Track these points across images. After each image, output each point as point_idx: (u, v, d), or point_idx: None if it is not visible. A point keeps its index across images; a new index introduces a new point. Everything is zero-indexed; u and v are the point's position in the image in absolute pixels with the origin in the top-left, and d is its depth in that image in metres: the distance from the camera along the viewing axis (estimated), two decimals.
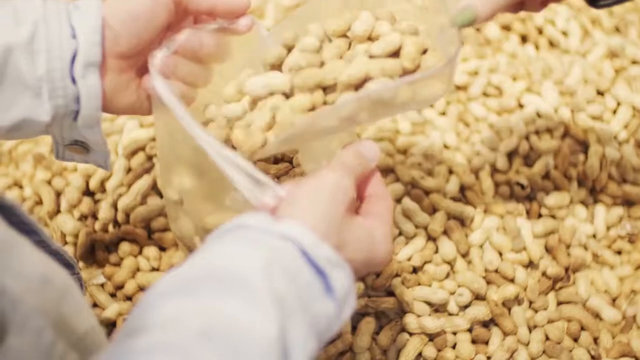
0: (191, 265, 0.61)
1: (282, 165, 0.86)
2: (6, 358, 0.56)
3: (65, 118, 0.77)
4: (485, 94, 1.23)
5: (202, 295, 0.57)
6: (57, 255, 0.77)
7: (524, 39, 1.33)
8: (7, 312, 0.56)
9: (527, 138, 1.16)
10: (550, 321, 1.03)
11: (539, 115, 1.19)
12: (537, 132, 1.17)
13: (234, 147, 0.77)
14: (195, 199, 0.82)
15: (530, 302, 1.04)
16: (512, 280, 1.04)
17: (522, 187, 1.10)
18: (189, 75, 0.79)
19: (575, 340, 1.03)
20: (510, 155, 1.16)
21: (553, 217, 1.12)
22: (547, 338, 1.02)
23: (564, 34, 1.32)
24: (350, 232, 0.65)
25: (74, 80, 0.74)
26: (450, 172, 1.13)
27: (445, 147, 1.16)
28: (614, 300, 1.07)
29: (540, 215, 1.13)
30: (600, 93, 1.23)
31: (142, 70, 0.79)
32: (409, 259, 1.05)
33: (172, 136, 0.78)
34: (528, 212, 1.12)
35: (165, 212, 0.97)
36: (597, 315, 1.05)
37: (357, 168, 0.69)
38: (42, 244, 0.75)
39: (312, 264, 0.61)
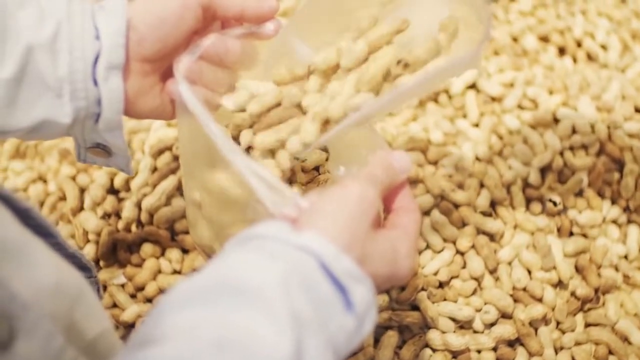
0: (207, 274, 0.59)
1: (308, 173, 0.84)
2: None
3: (87, 120, 0.75)
4: (520, 107, 1.20)
5: (217, 306, 0.56)
6: (73, 259, 0.76)
7: (561, 51, 1.30)
8: (15, 317, 0.55)
9: (561, 154, 1.14)
10: (577, 343, 1.01)
11: (574, 130, 1.16)
12: (571, 148, 1.15)
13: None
14: (215, 208, 0.81)
15: (558, 323, 1.02)
16: (540, 300, 1.02)
17: (555, 204, 1.08)
18: (214, 81, 0.78)
19: None
20: (544, 170, 1.14)
21: (584, 236, 1.10)
22: None
23: (603, 47, 1.29)
24: (373, 245, 0.63)
25: (95, 83, 0.73)
26: (482, 185, 1.11)
27: (477, 159, 1.14)
28: None
29: (571, 234, 1.10)
30: (638, 110, 1.20)
31: (167, 74, 0.78)
32: (435, 273, 1.03)
33: (194, 142, 0.77)
34: (559, 230, 1.09)
35: None
36: (625, 339, 1.03)
37: (385, 180, 0.67)
38: (58, 246, 0.74)
39: (332, 278, 0.59)
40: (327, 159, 0.85)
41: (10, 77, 0.71)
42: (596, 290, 1.05)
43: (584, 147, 1.15)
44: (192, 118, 0.73)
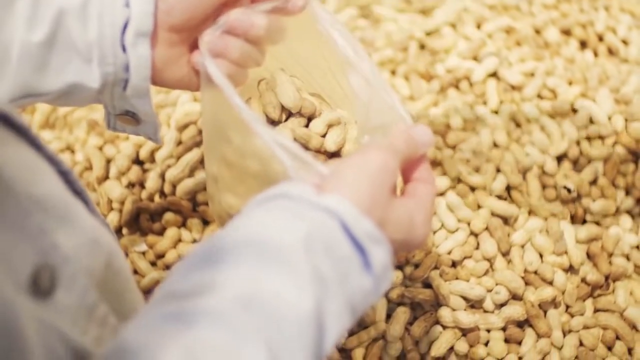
0: (232, 231, 0.61)
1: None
2: (56, 308, 0.57)
3: (115, 87, 0.77)
4: (539, 96, 1.22)
5: (242, 264, 0.58)
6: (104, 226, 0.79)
7: (583, 44, 1.32)
8: (58, 266, 0.57)
9: (577, 143, 1.15)
10: (585, 327, 1.02)
11: (591, 121, 1.18)
12: (588, 138, 1.16)
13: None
14: (233, 181, 0.83)
15: (567, 307, 1.04)
16: (550, 283, 1.04)
17: (569, 191, 1.10)
18: (240, 56, 0.78)
19: (610, 348, 1.02)
20: (560, 159, 1.15)
21: (597, 223, 1.11)
22: (581, 344, 1.01)
23: (624, 42, 1.30)
24: (391, 211, 0.65)
25: (124, 49, 0.75)
26: (498, 170, 1.13)
27: (495, 145, 1.16)
28: None
29: (584, 221, 1.12)
30: None
31: (194, 46, 0.79)
32: (449, 253, 1.05)
33: (217, 115, 0.79)
34: (573, 217, 1.11)
35: None
36: (633, 327, 1.04)
37: (405, 151, 0.68)
38: (92, 213, 0.77)
39: (352, 239, 0.61)
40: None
41: (42, 41, 0.74)
42: (606, 278, 1.06)
43: (601, 137, 1.16)
44: (215, 91, 0.74)
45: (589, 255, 1.08)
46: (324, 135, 0.83)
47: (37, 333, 0.52)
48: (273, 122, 0.83)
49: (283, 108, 0.82)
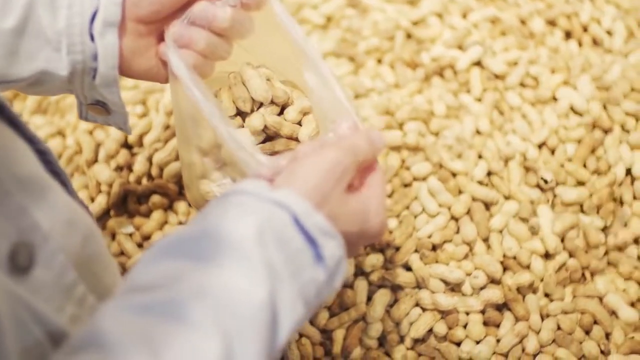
0: (191, 226, 0.63)
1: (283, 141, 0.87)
2: (32, 286, 0.59)
3: (85, 75, 0.79)
4: (522, 85, 1.23)
5: (199, 256, 0.60)
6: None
7: (568, 35, 1.33)
8: (37, 245, 0.59)
9: (556, 132, 1.17)
10: (564, 312, 1.04)
11: (572, 109, 1.19)
12: (567, 127, 1.18)
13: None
14: (209, 168, 0.85)
15: (546, 293, 1.05)
16: (528, 268, 1.05)
17: (546, 181, 1.11)
18: (206, 47, 0.80)
19: (587, 333, 1.03)
20: (541, 146, 1.17)
21: (576, 213, 1.12)
22: (559, 328, 1.03)
23: (609, 33, 1.32)
24: (344, 204, 0.67)
25: (92, 38, 0.77)
26: (480, 157, 1.14)
27: (478, 132, 1.17)
28: (632, 304, 1.06)
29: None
30: (635, 90, 1.22)
31: (162, 38, 0.81)
32: (429, 237, 1.06)
33: (189, 104, 0.80)
34: (552, 205, 1.12)
35: None
36: (613, 313, 1.05)
37: (365, 153, 0.70)
38: (69, 194, 0.78)
39: (304, 232, 0.63)
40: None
41: (12, 28, 0.76)
42: (585, 267, 1.08)
43: (580, 124, 1.18)
44: (179, 81, 0.77)
45: (565, 243, 1.09)
46: (299, 123, 0.85)
47: (10, 308, 0.54)
48: (244, 114, 0.85)
49: (254, 101, 0.84)
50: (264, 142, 0.85)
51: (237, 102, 0.84)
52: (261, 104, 0.85)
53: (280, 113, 0.86)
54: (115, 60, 0.78)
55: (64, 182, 0.75)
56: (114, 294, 0.60)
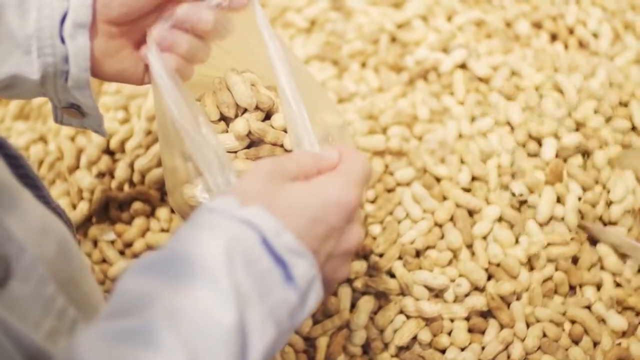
0: (163, 249, 0.62)
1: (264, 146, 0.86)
2: (7, 301, 0.57)
3: (57, 79, 0.78)
4: (505, 86, 1.22)
5: (170, 279, 0.59)
6: (55, 214, 0.79)
7: (553, 37, 1.32)
8: (13, 257, 0.58)
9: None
10: (550, 320, 1.03)
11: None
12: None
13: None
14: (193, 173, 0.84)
15: (531, 299, 1.04)
16: (514, 277, 1.04)
17: (514, 195, 1.09)
18: (188, 50, 0.79)
19: (576, 343, 1.03)
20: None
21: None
22: (544, 335, 1.02)
23: (595, 35, 1.31)
24: (281, 196, 0.65)
25: (63, 40, 0.76)
26: (462, 162, 1.13)
27: (460, 136, 1.16)
28: (619, 312, 1.06)
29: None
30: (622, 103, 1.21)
31: (143, 40, 0.80)
32: (412, 242, 1.06)
33: (162, 109, 0.79)
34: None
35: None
36: (602, 320, 1.04)
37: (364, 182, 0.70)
38: (43, 199, 0.77)
39: (272, 252, 0.62)
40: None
41: None
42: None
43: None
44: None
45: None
46: (285, 130, 0.84)
47: None
48: (228, 119, 0.85)
49: (238, 106, 0.84)
50: (248, 147, 0.84)
51: (221, 107, 0.83)
52: (245, 110, 0.84)
53: (266, 118, 0.85)
54: (87, 62, 0.77)
55: (38, 187, 0.74)
56: (94, 319, 0.59)
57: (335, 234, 0.66)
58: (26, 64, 0.76)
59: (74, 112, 0.83)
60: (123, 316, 0.57)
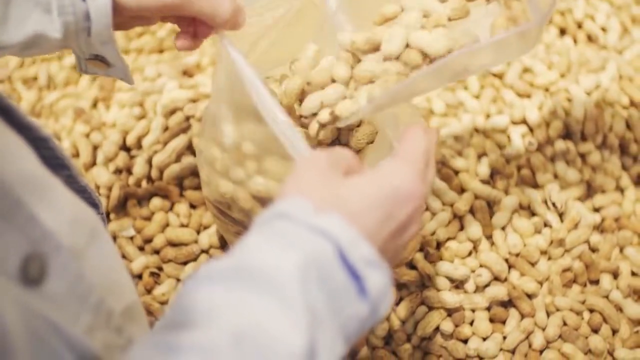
0: (230, 258, 0.59)
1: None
2: (44, 300, 0.56)
3: (80, 34, 0.78)
4: (519, 80, 1.23)
5: (235, 292, 0.56)
6: (83, 194, 0.78)
7: (562, 31, 1.33)
8: (49, 255, 0.57)
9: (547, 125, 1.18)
10: (570, 309, 1.04)
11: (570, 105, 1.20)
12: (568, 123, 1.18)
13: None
14: (232, 167, 0.84)
15: (550, 289, 1.05)
16: (534, 265, 1.05)
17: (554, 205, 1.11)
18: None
19: (596, 331, 1.04)
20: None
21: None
22: (565, 324, 1.03)
23: (603, 29, 1.32)
24: (349, 193, 0.62)
25: None
26: (480, 155, 1.14)
27: (476, 130, 1.17)
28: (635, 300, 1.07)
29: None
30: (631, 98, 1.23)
31: None
32: (432, 234, 1.06)
33: (233, 90, 0.81)
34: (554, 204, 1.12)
35: (198, 171, 0.98)
36: (619, 309, 1.06)
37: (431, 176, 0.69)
38: (71, 179, 0.76)
39: (348, 266, 0.58)
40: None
41: None
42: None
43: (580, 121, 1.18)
44: (232, 71, 0.78)
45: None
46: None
47: (24, 321, 0.52)
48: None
49: None
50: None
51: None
52: None
53: None
54: (109, 19, 0.77)
55: (67, 166, 0.73)
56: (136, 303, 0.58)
57: (402, 229, 0.65)
58: (47, 22, 0.77)
59: (98, 62, 0.83)
60: (186, 328, 0.55)
